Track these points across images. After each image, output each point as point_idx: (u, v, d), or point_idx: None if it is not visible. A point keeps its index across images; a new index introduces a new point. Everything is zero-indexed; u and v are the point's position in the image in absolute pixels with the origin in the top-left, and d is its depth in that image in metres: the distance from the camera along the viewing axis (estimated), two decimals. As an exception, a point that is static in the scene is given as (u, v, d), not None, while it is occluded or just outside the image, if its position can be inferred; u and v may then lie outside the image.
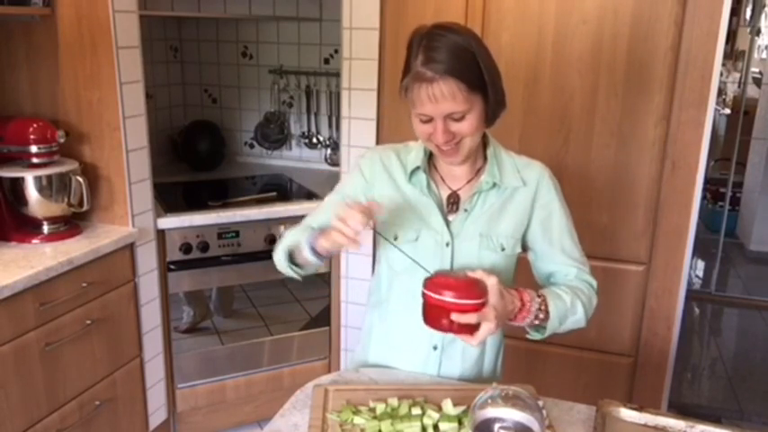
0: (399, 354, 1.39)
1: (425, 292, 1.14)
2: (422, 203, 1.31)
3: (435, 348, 1.36)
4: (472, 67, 1.17)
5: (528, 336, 1.30)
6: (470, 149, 1.24)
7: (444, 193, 1.33)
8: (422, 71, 1.15)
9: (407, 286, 1.28)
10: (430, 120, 1.19)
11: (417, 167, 1.30)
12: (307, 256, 1.26)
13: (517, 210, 1.31)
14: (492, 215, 1.30)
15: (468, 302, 1.11)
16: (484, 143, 1.33)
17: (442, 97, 1.15)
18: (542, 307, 1.23)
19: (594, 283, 1.37)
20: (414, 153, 1.33)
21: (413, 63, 1.17)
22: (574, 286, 1.32)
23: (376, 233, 1.29)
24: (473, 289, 1.13)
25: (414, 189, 1.32)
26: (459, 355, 1.36)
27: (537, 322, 1.24)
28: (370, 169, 1.36)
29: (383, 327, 1.41)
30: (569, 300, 1.28)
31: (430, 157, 1.34)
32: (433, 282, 1.14)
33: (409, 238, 1.30)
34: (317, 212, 1.40)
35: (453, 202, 1.32)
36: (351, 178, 1.40)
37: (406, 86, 1.20)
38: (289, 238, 1.36)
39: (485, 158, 1.33)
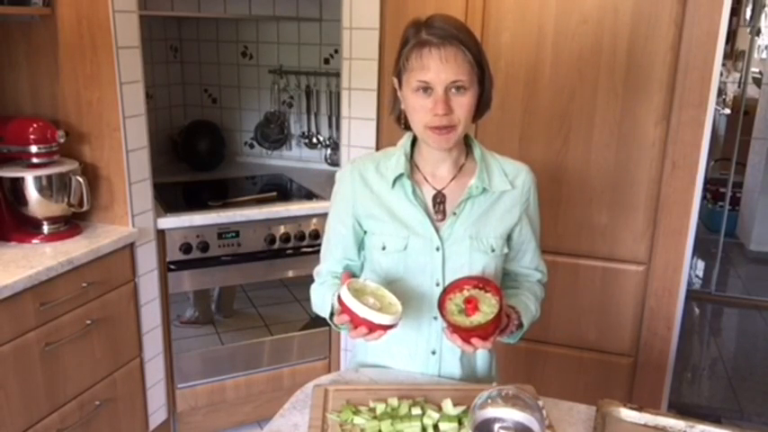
0: (398, 359, 1.38)
1: (447, 320, 1.17)
2: (407, 210, 1.29)
3: (434, 353, 1.35)
4: (474, 42, 1.20)
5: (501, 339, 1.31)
6: (460, 137, 1.25)
7: (429, 195, 1.31)
8: (427, 38, 1.17)
9: (399, 293, 1.29)
10: (429, 91, 1.19)
11: (401, 174, 1.28)
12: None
13: (505, 211, 1.32)
14: (480, 217, 1.30)
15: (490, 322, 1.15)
16: (467, 142, 1.34)
17: (446, 61, 1.16)
18: (517, 320, 1.30)
19: (546, 279, 1.48)
20: (394, 159, 1.31)
21: (413, 39, 1.19)
22: (534, 291, 1.42)
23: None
24: (486, 304, 1.18)
25: (398, 196, 1.30)
26: (457, 359, 1.36)
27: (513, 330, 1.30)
28: (351, 185, 1.34)
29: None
30: (534, 308, 1.38)
31: (411, 157, 1.33)
32: (447, 309, 1.18)
33: (398, 247, 1.29)
34: (329, 247, 1.41)
35: (440, 202, 1.31)
36: (337, 199, 1.38)
37: (405, 58, 1.20)
38: (319, 293, 1.40)
39: (466, 155, 1.33)
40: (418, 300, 1.31)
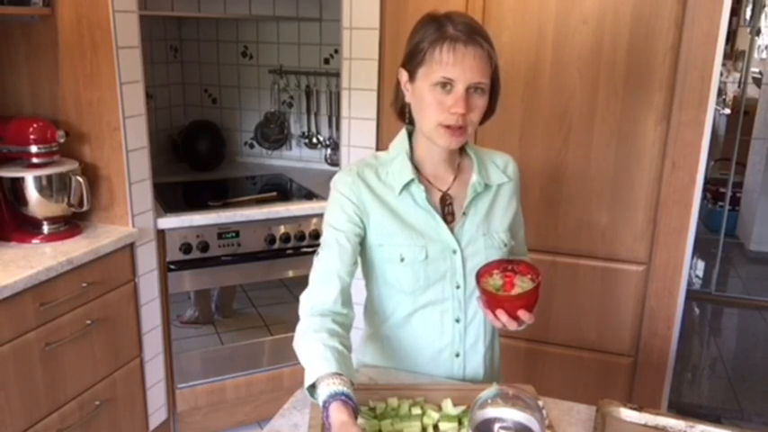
0: (421, 364, 1.35)
1: (490, 294, 1.16)
2: (419, 217, 1.26)
3: (458, 356, 1.34)
4: (493, 45, 1.18)
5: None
6: (468, 137, 1.24)
7: (436, 197, 1.29)
8: (456, 33, 1.15)
9: (422, 302, 1.28)
10: (449, 88, 1.16)
11: (411, 180, 1.25)
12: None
13: (505, 203, 1.34)
14: (487, 214, 1.30)
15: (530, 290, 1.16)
16: None
17: (474, 61, 1.14)
18: None
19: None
20: (397, 165, 1.27)
21: (437, 32, 1.16)
22: None
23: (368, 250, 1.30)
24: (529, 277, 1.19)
25: (406, 203, 1.26)
26: (480, 360, 1.35)
27: None
28: (356, 194, 1.26)
29: (394, 341, 1.36)
30: None
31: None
32: (489, 282, 1.18)
33: (418, 257, 1.25)
34: (335, 265, 1.23)
35: (449, 204, 1.29)
36: (337, 209, 1.27)
37: (426, 51, 1.16)
38: (311, 350, 1.13)
39: (460, 154, 1.33)
40: (440, 305, 1.29)
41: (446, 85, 1.16)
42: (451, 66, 1.14)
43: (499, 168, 1.33)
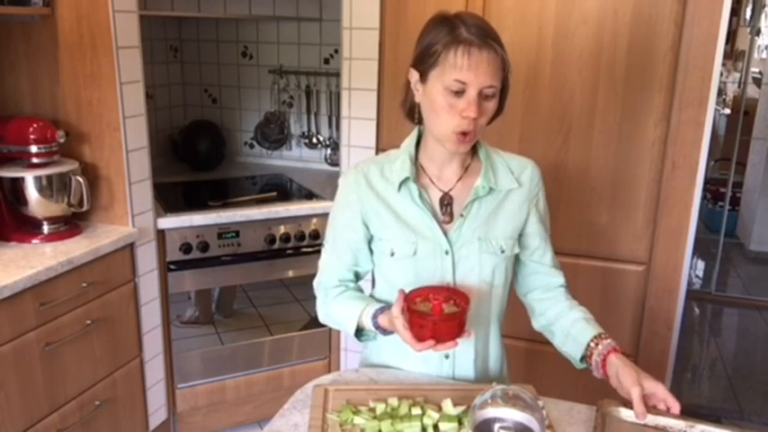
0: (412, 364, 1.36)
1: (413, 311, 1.15)
2: (415, 214, 1.27)
3: (447, 357, 1.34)
4: (503, 46, 1.18)
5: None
6: (475, 140, 1.24)
7: (436, 196, 1.29)
8: (470, 37, 1.14)
9: None
10: (461, 92, 1.15)
11: (407, 178, 1.26)
12: (379, 336, 1.30)
13: (513, 210, 1.31)
14: (488, 218, 1.28)
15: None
16: None
17: (488, 65, 1.14)
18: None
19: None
20: (399, 163, 1.28)
21: (450, 35, 1.15)
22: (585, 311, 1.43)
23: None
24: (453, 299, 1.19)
25: (404, 200, 1.27)
26: (471, 362, 1.35)
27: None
28: (356, 191, 1.30)
29: (389, 338, 1.35)
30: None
31: (415, 159, 1.31)
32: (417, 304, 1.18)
33: (407, 252, 1.27)
34: (339, 254, 1.35)
35: (447, 204, 1.29)
36: (342, 207, 1.33)
37: (440, 53, 1.16)
38: (339, 304, 1.34)
39: (471, 156, 1.32)
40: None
41: (459, 89, 1.16)
42: (465, 70, 1.14)
43: (513, 174, 1.31)
